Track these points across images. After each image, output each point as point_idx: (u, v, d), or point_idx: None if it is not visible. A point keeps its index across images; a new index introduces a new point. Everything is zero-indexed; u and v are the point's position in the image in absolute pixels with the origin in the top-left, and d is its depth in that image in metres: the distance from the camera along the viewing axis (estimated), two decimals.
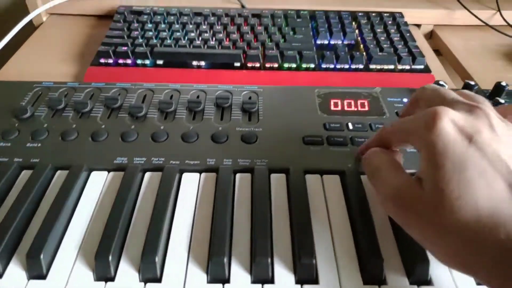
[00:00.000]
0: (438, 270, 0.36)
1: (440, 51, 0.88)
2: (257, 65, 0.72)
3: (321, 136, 0.50)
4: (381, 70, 0.73)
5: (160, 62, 0.72)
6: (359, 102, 0.56)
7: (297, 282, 0.36)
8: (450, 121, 0.29)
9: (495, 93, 0.57)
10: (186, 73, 0.70)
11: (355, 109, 0.55)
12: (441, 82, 0.56)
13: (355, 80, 0.70)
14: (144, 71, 0.70)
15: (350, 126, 0.52)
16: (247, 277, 0.35)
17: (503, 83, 0.57)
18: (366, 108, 0.55)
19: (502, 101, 0.53)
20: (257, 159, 0.47)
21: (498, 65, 0.78)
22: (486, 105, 0.31)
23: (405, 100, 0.57)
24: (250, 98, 0.56)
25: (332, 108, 0.55)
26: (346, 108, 0.55)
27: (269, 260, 0.36)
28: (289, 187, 0.43)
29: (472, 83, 0.57)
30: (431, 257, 0.36)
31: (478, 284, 0.35)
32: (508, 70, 0.77)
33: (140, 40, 0.74)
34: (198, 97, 0.56)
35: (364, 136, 0.50)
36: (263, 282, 0.35)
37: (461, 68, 0.78)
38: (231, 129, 0.50)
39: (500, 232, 0.25)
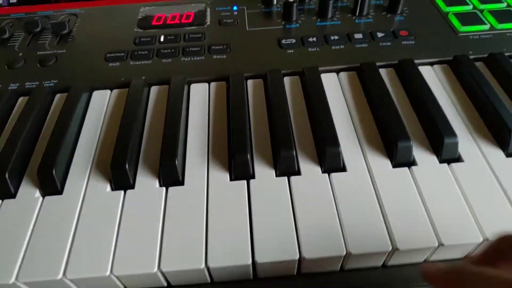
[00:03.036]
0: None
1: None
2: None
3: (126, 51, 0.46)
4: None
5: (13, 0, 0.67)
6: (185, 14, 0.52)
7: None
8: None
9: None
10: (44, 8, 0.65)
11: (178, 22, 0.51)
12: None
13: None
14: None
15: (162, 39, 0.48)
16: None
17: None
18: (190, 20, 0.51)
19: None
20: (47, 80, 0.43)
21: None
22: None
23: (234, 8, 0.52)
24: (68, 21, 0.52)
25: (154, 23, 0.51)
26: (168, 22, 0.51)
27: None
28: (64, 105, 0.40)
29: None
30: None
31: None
32: None
33: None
34: (12, 25, 0.51)
35: (172, 48, 0.46)
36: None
37: None
38: (31, 54, 0.47)
39: None
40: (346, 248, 0.28)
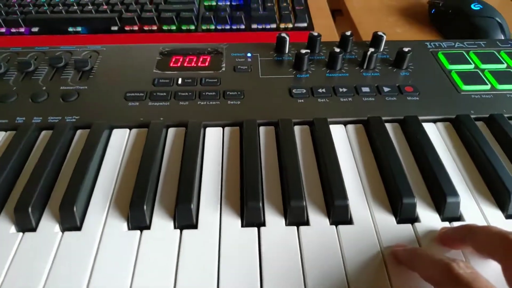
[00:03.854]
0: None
1: (342, 11, 0.85)
2: (135, 28, 0.70)
3: (145, 92, 0.48)
4: (263, 29, 0.71)
5: (35, 29, 0.70)
6: (201, 58, 0.54)
7: None
8: None
9: (374, 43, 0.57)
10: (64, 40, 0.69)
11: (195, 65, 0.53)
12: (283, 35, 0.54)
13: (235, 41, 0.68)
14: (20, 39, 0.69)
15: (180, 81, 0.50)
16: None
17: (380, 33, 0.56)
18: (206, 64, 0.53)
19: (337, 50, 0.51)
20: (69, 116, 0.45)
21: (390, 21, 0.76)
22: None
23: (249, 54, 0.55)
24: (90, 57, 0.54)
25: (172, 65, 0.53)
26: (185, 65, 0.53)
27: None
28: (86, 142, 0.42)
29: (348, 33, 0.56)
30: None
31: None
32: (398, 25, 0.75)
33: (15, 8, 0.72)
34: (36, 58, 0.54)
35: (189, 90, 0.48)
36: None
37: (354, 26, 0.76)
38: (54, 88, 0.49)
39: None
40: None
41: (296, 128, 0.45)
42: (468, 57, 0.55)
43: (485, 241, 0.29)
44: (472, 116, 0.45)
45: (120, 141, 0.43)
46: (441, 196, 0.36)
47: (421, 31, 0.73)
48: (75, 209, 0.35)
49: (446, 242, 0.33)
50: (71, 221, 0.35)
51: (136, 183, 0.37)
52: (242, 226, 0.35)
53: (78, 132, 0.44)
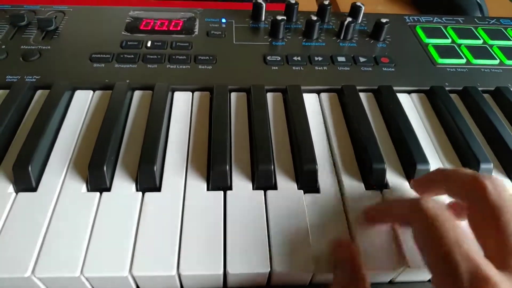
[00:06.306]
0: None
1: None
2: None
3: (112, 54, 0.46)
4: (243, 0, 0.69)
5: None
6: (173, 22, 0.52)
7: None
8: None
9: (352, 14, 0.55)
10: (30, 1, 0.65)
11: (166, 28, 0.51)
12: (259, 1, 0.52)
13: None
14: None
15: (149, 44, 0.48)
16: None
17: (358, 3, 0.55)
18: (178, 28, 0.51)
19: (314, 18, 0.49)
20: (29, 75, 0.43)
21: None
22: None
23: (223, 20, 0.53)
24: (55, 17, 0.51)
25: (142, 27, 0.51)
26: (156, 28, 0.51)
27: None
28: (46, 102, 0.40)
29: (326, 2, 0.54)
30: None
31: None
32: (380, 2, 0.75)
33: None
34: None
35: (158, 54, 0.46)
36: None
37: (335, 2, 0.75)
38: (14, 47, 0.46)
39: None
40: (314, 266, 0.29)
41: (269, 95, 0.43)
42: (445, 32, 0.55)
43: (456, 185, 0.28)
44: (447, 88, 0.45)
45: (82, 102, 0.41)
46: (411, 163, 0.35)
47: (402, 10, 0.73)
48: (30, 168, 0.33)
49: (419, 189, 0.32)
50: (25, 182, 0.33)
51: (96, 143, 0.35)
52: (207, 189, 0.34)
53: (38, 92, 0.42)
